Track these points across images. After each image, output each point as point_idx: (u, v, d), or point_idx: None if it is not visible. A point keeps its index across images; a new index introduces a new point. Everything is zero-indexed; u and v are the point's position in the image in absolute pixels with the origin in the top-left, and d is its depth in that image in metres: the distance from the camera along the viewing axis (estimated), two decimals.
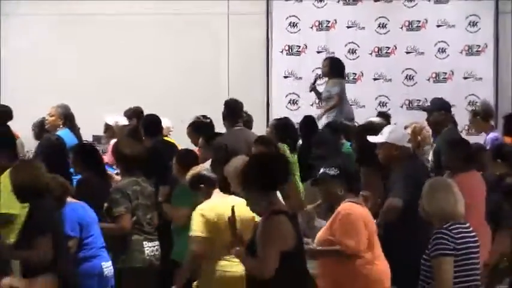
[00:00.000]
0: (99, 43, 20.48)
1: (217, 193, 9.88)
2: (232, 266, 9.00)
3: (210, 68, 19.58)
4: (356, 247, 9.07)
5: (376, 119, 14.40)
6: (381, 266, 9.37)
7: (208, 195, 9.97)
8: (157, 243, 10.85)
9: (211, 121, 14.77)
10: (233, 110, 14.46)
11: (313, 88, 17.34)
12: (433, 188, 8.32)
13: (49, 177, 9.73)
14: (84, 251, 9.97)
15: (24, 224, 9.31)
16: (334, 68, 16.95)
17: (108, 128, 15.59)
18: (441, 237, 7.97)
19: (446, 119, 13.72)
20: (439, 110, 13.81)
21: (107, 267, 10.52)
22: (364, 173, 10.81)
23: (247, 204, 8.24)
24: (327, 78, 16.93)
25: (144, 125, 14.48)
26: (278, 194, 8.83)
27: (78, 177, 12.41)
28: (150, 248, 10.77)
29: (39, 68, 20.50)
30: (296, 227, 7.95)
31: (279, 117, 15.48)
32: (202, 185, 10.17)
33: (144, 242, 10.72)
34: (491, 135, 14.50)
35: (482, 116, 14.83)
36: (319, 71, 17.67)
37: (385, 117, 15.95)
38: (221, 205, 9.47)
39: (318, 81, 17.38)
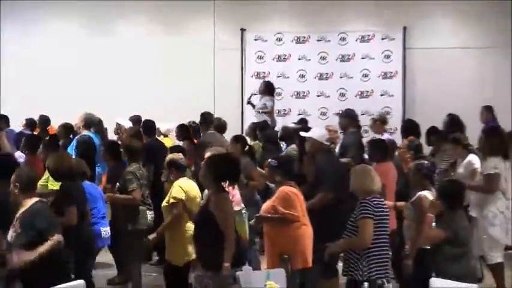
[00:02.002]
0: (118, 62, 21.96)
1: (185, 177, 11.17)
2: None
3: (200, 86, 21.57)
4: (293, 215, 10.64)
5: (291, 125, 16.87)
6: (309, 228, 10.86)
7: (177, 176, 11.16)
8: (152, 212, 12.16)
9: (198, 125, 16.83)
10: (207, 120, 16.39)
11: (248, 101, 19.53)
12: (357, 172, 9.58)
13: (72, 163, 10.93)
14: (90, 217, 11.09)
15: (56, 197, 10.42)
16: (268, 89, 19.39)
17: (118, 128, 16.80)
18: (365, 205, 9.12)
19: (349, 123, 15.53)
20: (345, 117, 15.86)
21: (105, 231, 11.84)
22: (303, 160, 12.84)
23: (204, 185, 9.84)
24: (260, 95, 19.26)
25: (143, 128, 16.10)
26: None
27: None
28: (150, 215, 12.08)
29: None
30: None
31: (255, 122, 17.86)
32: (173, 168, 11.26)
33: (147, 211, 12.07)
34: (385, 136, 15.60)
35: (380, 122, 16.51)
36: (254, 91, 19.60)
37: (305, 122, 17.90)
38: (189, 183, 11.06)
39: (253, 98, 19.44)
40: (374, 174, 9.39)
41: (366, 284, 7.69)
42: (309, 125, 16.94)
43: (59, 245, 8.78)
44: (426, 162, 10.91)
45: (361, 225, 9.00)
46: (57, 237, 8.75)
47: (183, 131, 15.94)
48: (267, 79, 20.98)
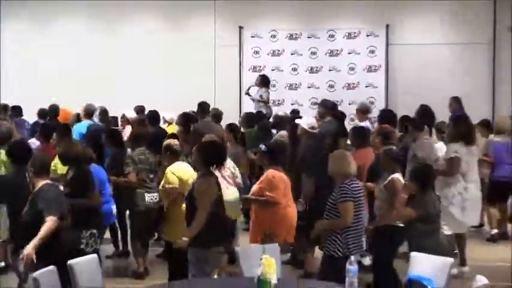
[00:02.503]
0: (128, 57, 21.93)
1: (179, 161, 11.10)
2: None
3: (201, 80, 21.45)
4: (277, 197, 10.56)
5: (282, 113, 16.54)
6: (293, 209, 10.88)
7: (171, 161, 11.15)
8: (156, 194, 11.86)
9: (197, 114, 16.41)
10: (204, 109, 16.48)
11: (246, 93, 19.50)
12: (335, 157, 9.40)
13: (79, 149, 10.72)
14: (102, 198, 10.91)
15: (75, 181, 10.16)
16: (264, 81, 19.25)
17: (124, 118, 17.02)
18: (345, 189, 8.99)
19: (326, 113, 15.32)
20: (322, 107, 15.73)
21: (113, 209, 11.87)
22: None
23: (194, 169, 9.97)
24: (257, 87, 19.16)
25: (148, 117, 15.90)
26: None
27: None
28: (149, 197, 11.86)
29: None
30: (218, 183, 9.28)
31: (247, 112, 17.60)
32: (168, 153, 11.28)
33: (145, 194, 11.85)
34: (364, 123, 15.53)
35: (361, 111, 16.55)
36: (252, 83, 19.63)
37: (297, 112, 17.69)
38: (183, 167, 10.94)
39: (250, 89, 19.43)
40: (350, 159, 9.27)
41: (352, 258, 7.55)
42: (301, 114, 16.82)
43: (57, 225, 8.75)
44: (394, 147, 11.04)
45: (343, 208, 8.94)
46: (50, 219, 8.68)
47: (183, 119, 15.56)
48: (262, 72, 20.98)
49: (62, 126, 14.55)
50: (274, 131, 15.52)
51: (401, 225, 9.71)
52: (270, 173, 10.60)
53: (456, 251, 11.84)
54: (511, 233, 14.59)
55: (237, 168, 11.19)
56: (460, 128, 12.17)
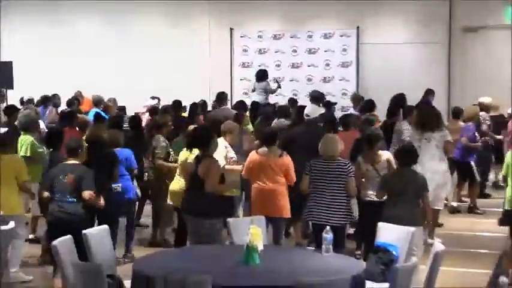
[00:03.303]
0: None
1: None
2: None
3: (199, 73, 21.48)
4: (244, 172, 10.22)
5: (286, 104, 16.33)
6: (272, 187, 10.00)
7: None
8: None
9: (205, 102, 16.92)
10: (221, 98, 16.26)
11: (253, 90, 18.91)
12: (325, 139, 9.39)
13: (105, 134, 10.72)
14: (124, 175, 10.63)
15: (98, 163, 9.77)
16: (263, 75, 19.02)
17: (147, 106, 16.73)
18: (346, 169, 9.04)
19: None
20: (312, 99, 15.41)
21: (135, 186, 11.58)
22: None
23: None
24: (255, 82, 18.90)
25: (173, 105, 15.59)
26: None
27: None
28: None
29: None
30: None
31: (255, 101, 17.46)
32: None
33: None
34: (351, 111, 16.06)
35: (355, 100, 16.82)
36: (241, 77, 20.81)
37: (295, 101, 17.66)
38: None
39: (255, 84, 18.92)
40: (337, 140, 9.28)
41: (328, 227, 7.60)
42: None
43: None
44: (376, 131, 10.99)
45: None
46: (88, 193, 8.83)
47: (192, 108, 15.48)
48: (250, 68, 21.21)
49: (97, 114, 14.54)
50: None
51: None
52: (251, 154, 10.24)
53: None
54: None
55: (228, 146, 10.78)
56: (418, 116, 12.07)
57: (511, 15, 20.20)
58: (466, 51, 20.88)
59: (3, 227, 8.42)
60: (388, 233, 8.13)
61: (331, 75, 21.58)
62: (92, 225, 8.89)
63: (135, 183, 11.70)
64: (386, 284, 6.91)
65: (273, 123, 13.81)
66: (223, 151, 10.33)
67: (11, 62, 19.02)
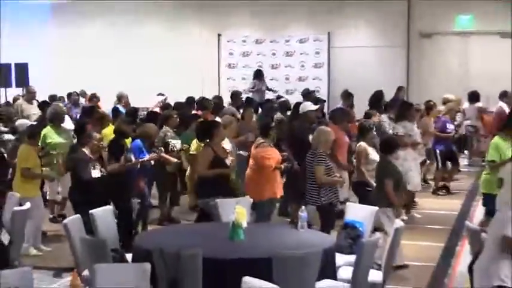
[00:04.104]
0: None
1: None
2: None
3: (192, 73, 21.22)
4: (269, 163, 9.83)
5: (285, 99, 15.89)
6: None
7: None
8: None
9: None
10: (236, 96, 16.00)
11: (250, 90, 18.67)
12: (317, 131, 9.43)
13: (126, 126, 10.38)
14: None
15: (114, 149, 9.71)
16: (259, 74, 19.24)
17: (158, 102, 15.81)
18: (323, 156, 9.02)
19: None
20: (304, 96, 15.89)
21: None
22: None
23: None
24: (254, 80, 18.95)
25: (197, 102, 14.76)
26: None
27: None
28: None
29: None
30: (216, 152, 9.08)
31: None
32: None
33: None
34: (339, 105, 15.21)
35: (344, 97, 15.90)
36: (228, 77, 20.93)
37: (281, 97, 17.26)
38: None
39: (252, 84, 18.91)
40: (329, 132, 9.28)
41: (303, 207, 7.60)
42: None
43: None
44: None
45: (318, 170, 8.90)
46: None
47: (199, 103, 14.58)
48: (235, 69, 21.51)
49: (113, 109, 14.36)
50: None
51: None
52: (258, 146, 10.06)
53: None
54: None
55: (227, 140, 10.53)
56: (400, 110, 12.06)
57: (460, 24, 20.50)
58: (422, 54, 20.81)
59: (18, 208, 8.36)
60: (356, 212, 8.14)
61: (306, 75, 21.52)
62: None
63: None
64: (353, 256, 6.90)
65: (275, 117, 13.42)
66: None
67: (26, 64, 19.02)
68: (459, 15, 20.37)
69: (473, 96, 16.58)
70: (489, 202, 8.93)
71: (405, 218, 11.14)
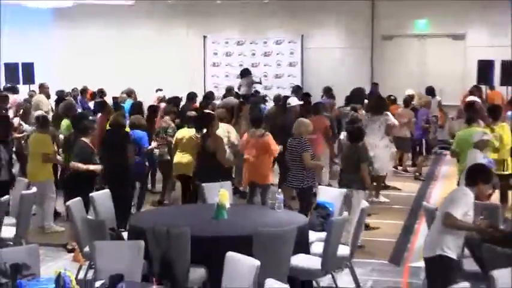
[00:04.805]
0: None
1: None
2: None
3: (180, 71, 20.94)
4: (241, 149, 9.87)
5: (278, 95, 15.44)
6: (257, 160, 9.68)
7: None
8: (166, 149, 11.03)
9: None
10: (229, 91, 15.95)
11: (238, 88, 18.14)
12: (298, 122, 9.29)
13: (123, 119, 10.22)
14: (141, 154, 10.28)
15: (119, 139, 9.45)
16: (247, 72, 18.96)
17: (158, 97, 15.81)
18: (307, 143, 8.99)
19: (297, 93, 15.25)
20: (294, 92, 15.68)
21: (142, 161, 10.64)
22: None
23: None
24: (241, 77, 18.77)
25: (187, 97, 14.51)
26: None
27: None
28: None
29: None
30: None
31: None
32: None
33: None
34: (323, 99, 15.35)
35: (326, 91, 16.41)
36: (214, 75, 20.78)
37: (258, 93, 17.64)
38: (185, 130, 10.31)
39: (240, 80, 18.64)
40: (308, 123, 9.20)
41: (279, 190, 7.56)
42: None
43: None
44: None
45: (306, 156, 8.86)
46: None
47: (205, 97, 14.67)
48: (219, 67, 21.41)
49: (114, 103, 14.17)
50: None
51: None
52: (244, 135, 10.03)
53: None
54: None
55: (232, 131, 10.49)
56: (370, 102, 11.98)
57: (418, 27, 20.47)
58: (384, 54, 20.56)
59: (25, 192, 8.26)
60: (326, 194, 8.14)
61: (282, 73, 21.43)
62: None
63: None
64: (324, 233, 6.91)
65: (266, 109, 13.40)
66: (223, 133, 10.00)
67: (32, 63, 18.97)
68: (417, 20, 20.41)
69: (432, 91, 16.63)
70: None
71: (375, 199, 11.22)
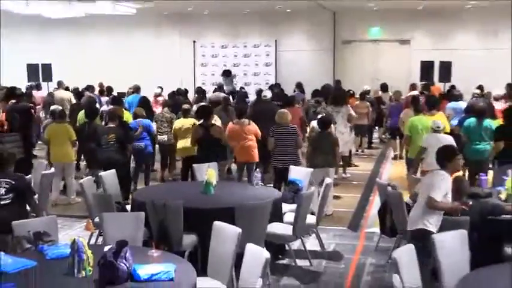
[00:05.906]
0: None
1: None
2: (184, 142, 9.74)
3: (173, 71, 20.66)
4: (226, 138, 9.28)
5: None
6: (246, 143, 9.46)
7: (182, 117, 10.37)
8: (166, 136, 10.77)
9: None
10: (219, 88, 15.67)
11: (220, 85, 16.57)
12: (280, 112, 9.06)
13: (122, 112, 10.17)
14: (145, 137, 10.14)
15: (123, 129, 9.12)
16: (228, 73, 18.42)
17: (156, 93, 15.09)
18: (296, 131, 8.86)
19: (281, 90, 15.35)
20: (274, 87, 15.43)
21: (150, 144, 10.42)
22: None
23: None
24: (223, 77, 18.12)
25: (183, 92, 14.79)
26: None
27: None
28: (161, 137, 10.85)
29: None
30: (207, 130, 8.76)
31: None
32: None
33: (159, 136, 10.84)
34: (295, 93, 15.23)
35: (298, 86, 16.30)
36: (202, 73, 20.39)
37: (243, 89, 17.34)
38: (183, 120, 10.19)
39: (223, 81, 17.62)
40: (287, 113, 9.01)
41: (258, 169, 7.46)
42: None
43: None
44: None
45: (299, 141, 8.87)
46: None
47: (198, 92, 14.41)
48: (207, 67, 21.19)
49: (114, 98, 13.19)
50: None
51: None
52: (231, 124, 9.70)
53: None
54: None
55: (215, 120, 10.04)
56: (332, 96, 11.82)
57: (372, 33, 20.46)
58: (344, 56, 20.59)
59: (45, 171, 8.16)
60: (296, 172, 8.11)
61: (259, 71, 21.22)
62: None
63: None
64: (295, 205, 6.83)
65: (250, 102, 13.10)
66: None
67: (50, 64, 18.85)
68: (371, 27, 20.42)
69: (385, 87, 16.52)
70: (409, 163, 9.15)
71: (343, 175, 11.27)
